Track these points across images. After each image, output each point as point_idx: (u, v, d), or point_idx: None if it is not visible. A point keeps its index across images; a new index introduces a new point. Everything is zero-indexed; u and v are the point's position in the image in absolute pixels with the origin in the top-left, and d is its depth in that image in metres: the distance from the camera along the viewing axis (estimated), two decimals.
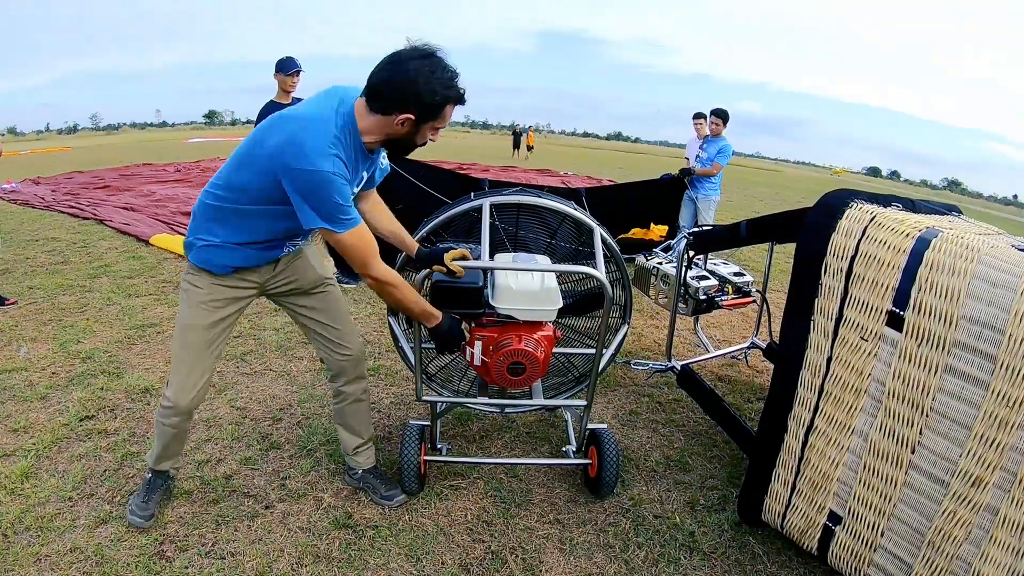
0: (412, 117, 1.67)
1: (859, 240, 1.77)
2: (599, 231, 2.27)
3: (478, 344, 2.11)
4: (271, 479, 2.38)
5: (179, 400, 1.96)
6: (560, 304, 2.14)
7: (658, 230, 6.28)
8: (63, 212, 7.97)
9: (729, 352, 3.52)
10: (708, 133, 5.76)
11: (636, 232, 6.71)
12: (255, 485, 2.34)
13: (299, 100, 4.36)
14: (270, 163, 1.67)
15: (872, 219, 1.77)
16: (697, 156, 5.83)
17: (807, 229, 1.93)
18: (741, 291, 3.18)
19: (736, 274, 3.25)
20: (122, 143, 34.48)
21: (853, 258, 1.78)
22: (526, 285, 2.09)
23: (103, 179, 11.60)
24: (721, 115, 5.63)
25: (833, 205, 1.89)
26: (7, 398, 2.90)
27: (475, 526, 2.17)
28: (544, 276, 2.14)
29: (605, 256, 2.38)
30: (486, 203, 2.18)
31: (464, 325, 2.06)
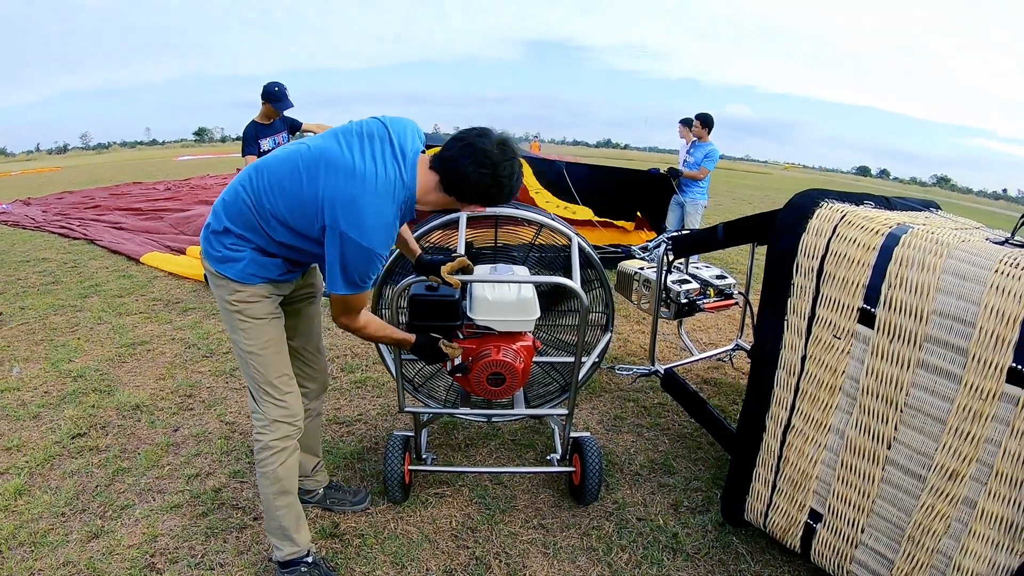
0: (482, 208, 1.76)
1: (829, 239, 1.80)
2: (577, 240, 2.31)
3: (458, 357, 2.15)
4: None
5: (298, 411, 1.92)
6: (538, 314, 2.18)
7: (644, 236, 6.37)
8: (54, 233, 7.99)
9: (714, 355, 3.56)
10: (693, 138, 5.82)
11: (623, 223, 6.77)
12: (243, 497, 2.37)
13: (282, 118, 4.41)
14: (317, 207, 1.62)
15: (842, 218, 1.80)
16: (684, 161, 5.89)
17: (778, 230, 1.95)
18: (723, 294, 3.22)
19: (718, 277, 3.28)
20: (112, 162, 34.48)
21: (824, 257, 1.81)
22: (503, 296, 2.12)
23: (93, 198, 11.57)
24: (703, 120, 5.68)
25: (803, 205, 1.92)
26: (0, 417, 2.93)
27: (460, 532, 2.20)
28: (521, 287, 2.17)
29: (586, 265, 2.43)
30: (463, 216, 2.23)
31: (443, 343, 2.03)
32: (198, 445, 2.72)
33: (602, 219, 6.62)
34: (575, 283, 2.04)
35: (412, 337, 1.96)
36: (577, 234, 2.35)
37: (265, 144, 4.31)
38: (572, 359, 2.58)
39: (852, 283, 1.75)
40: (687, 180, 5.73)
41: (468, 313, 2.15)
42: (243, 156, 4.33)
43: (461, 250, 2.10)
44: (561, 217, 6.12)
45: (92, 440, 2.74)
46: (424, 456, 2.48)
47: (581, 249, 2.33)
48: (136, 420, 2.93)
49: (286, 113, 4.44)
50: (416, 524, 2.23)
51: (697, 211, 5.79)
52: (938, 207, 2.38)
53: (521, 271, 2.29)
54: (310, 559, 1.94)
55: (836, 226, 1.80)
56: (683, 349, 3.88)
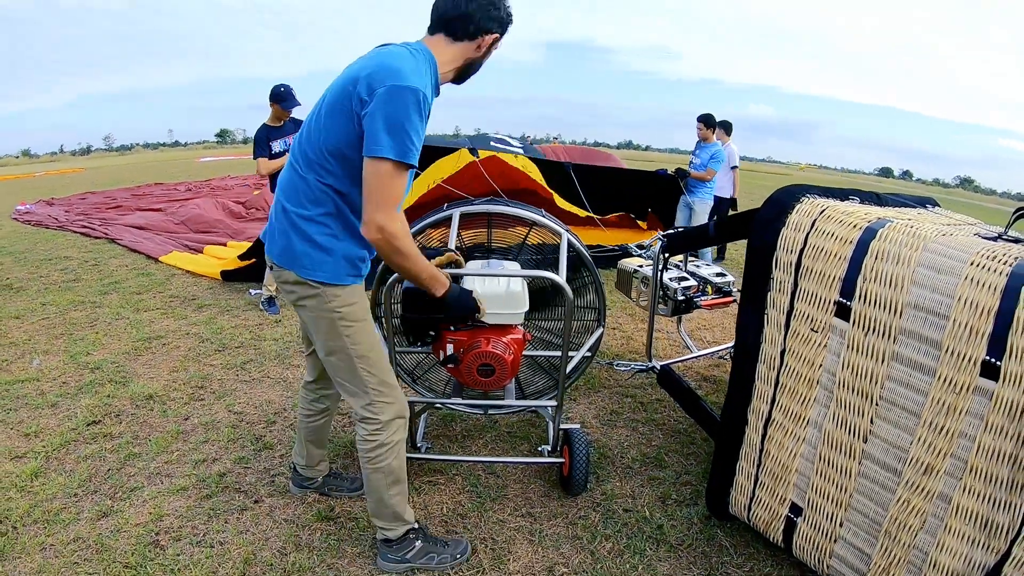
0: (498, 36, 1.78)
1: (808, 233, 1.81)
2: (567, 236, 2.37)
3: (449, 346, 2.22)
4: (262, 476, 2.51)
5: (405, 401, 1.96)
6: (526, 307, 2.24)
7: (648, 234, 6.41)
8: (76, 232, 8.22)
9: (713, 352, 3.58)
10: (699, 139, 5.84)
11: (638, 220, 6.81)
12: (246, 482, 2.47)
13: (292, 120, 4.53)
14: (352, 95, 1.59)
15: (822, 212, 1.81)
16: (691, 162, 5.91)
17: (758, 225, 1.98)
18: (722, 291, 3.24)
19: (717, 274, 3.31)
20: (135, 163, 35.09)
21: (802, 251, 1.82)
22: (492, 289, 2.19)
23: (115, 199, 11.78)
24: (706, 120, 5.69)
25: (784, 200, 1.93)
26: (20, 405, 3.08)
27: (450, 518, 2.26)
28: (510, 280, 2.24)
29: (576, 260, 2.49)
30: (456, 213, 2.30)
31: (476, 293, 2.00)
32: (206, 433, 2.84)
33: (616, 215, 6.67)
34: (560, 277, 2.09)
35: (445, 279, 1.86)
36: (568, 231, 2.41)
37: (276, 146, 4.44)
38: (557, 353, 2.65)
39: (829, 277, 1.76)
40: (694, 181, 5.74)
41: None
42: (255, 159, 4.46)
43: (452, 246, 2.18)
44: (575, 216, 6.23)
45: (106, 427, 2.87)
46: (419, 445, 2.56)
47: (571, 246, 2.39)
48: (149, 409, 3.06)
49: (296, 115, 4.56)
50: None
51: (705, 211, 5.80)
52: (935, 203, 2.37)
53: (513, 267, 2.36)
54: (416, 526, 2.03)
55: (815, 221, 1.81)
56: (686, 347, 3.90)
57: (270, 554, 2.07)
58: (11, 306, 4.82)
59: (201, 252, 6.54)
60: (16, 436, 2.78)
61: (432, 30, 1.76)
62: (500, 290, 2.22)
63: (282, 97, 4.36)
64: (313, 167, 1.70)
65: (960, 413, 1.53)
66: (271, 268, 1.86)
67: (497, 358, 2.20)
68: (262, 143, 4.41)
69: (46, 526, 2.18)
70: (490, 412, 2.79)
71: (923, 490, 1.63)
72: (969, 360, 1.50)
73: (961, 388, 1.53)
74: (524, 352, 2.40)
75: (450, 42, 1.74)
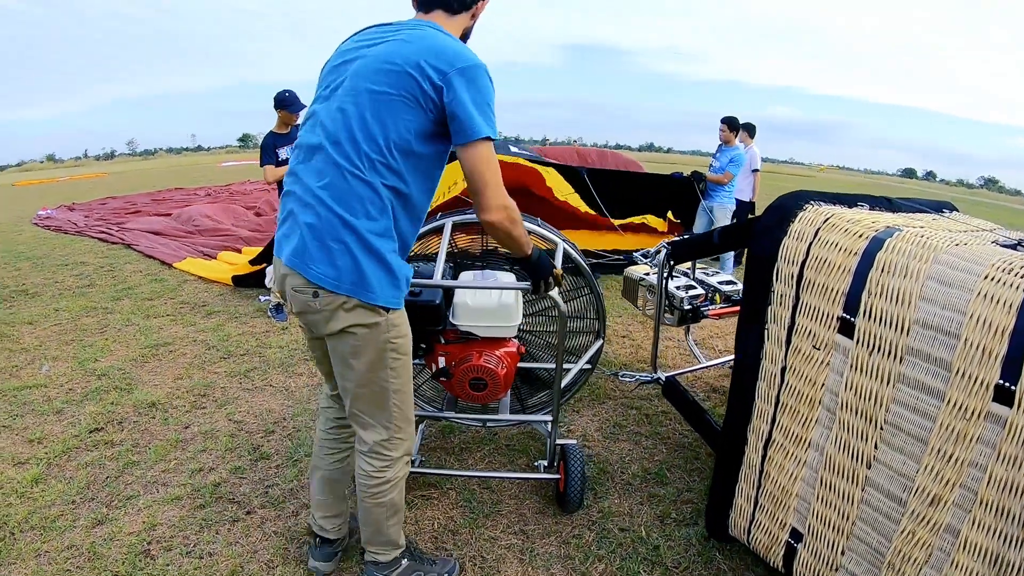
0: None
1: (810, 243, 1.71)
2: (563, 246, 2.31)
3: (441, 359, 2.18)
4: (256, 487, 2.49)
5: (413, 447, 1.93)
6: (519, 320, 2.19)
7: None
8: (94, 237, 8.35)
9: (723, 362, 3.48)
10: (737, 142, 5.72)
11: (649, 219, 6.75)
12: (240, 492, 2.45)
13: (298, 126, 4.54)
14: (413, 80, 1.49)
15: (826, 220, 1.71)
16: (711, 165, 5.79)
17: (758, 233, 1.88)
18: (730, 300, 3.15)
19: (726, 283, 3.22)
20: (157, 168, 35.64)
21: (804, 262, 1.73)
22: (483, 302, 2.14)
23: (135, 204, 11.91)
24: (730, 123, 5.57)
25: (786, 207, 1.84)
26: (27, 412, 3.12)
27: (440, 534, 2.21)
28: (503, 293, 2.19)
29: (574, 270, 2.43)
30: (448, 223, 2.25)
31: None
32: (205, 442, 2.83)
33: (626, 220, 6.59)
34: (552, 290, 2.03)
35: (530, 244, 1.76)
36: (564, 240, 2.35)
37: (283, 153, 4.45)
38: (552, 366, 2.59)
39: (832, 290, 1.66)
40: (713, 185, 5.63)
41: (451, 318, 2.18)
42: (262, 166, 4.48)
43: (442, 255, 2.13)
44: (591, 219, 6.16)
45: (108, 434, 2.89)
46: (414, 458, 2.51)
47: (568, 255, 2.33)
48: (151, 417, 3.07)
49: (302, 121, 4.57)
50: None
51: (725, 216, 5.68)
52: (953, 208, 2.25)
53: (507, 278, 2.31)
54: (403, 543, 1.96)
55: (818, 229, 1.71)
56: (694, 357, 3.81)
57: (257, 567, 2.04)
58: (25, 311, 4.91)
59: (215, 258, 6.61)
60: (20, 442, 2.81)
61: (426, 7, 1.68)
62: (492, 303, 2.17)
63: (288, 102, 4.37)
64: (376, 168, 1.53)
65: (970, 441, 1.42)
66: (298, 289, 1.59)
67: (489, 372, 2.15)
68: (269, 150, 4.42)
69: (42, 532, 2.20)
70: (488, 424, 2.74)
71: (929, 522, 1.52)
72: (981, 384, 1.39)
73: (972, 414, 1.41)
74: (519, 364, 2.35)
75: (448, 16, 1.68)
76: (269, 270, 4.76)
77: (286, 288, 1.63)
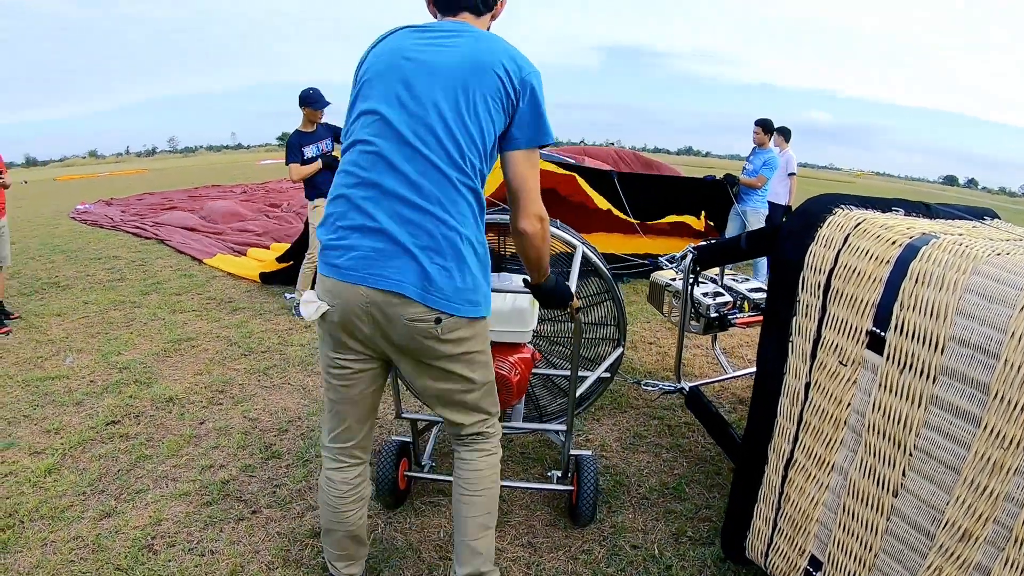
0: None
1: (839, 250, 1.59)
2: (582, 249, 2.23)
3: None
4: (265, 486, 2.46)
5: None
6: (534, 325, 2.11)
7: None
8: (128, 232, 8.54)
9: (749, 373, 3.33)
10: (770, 145, 5.56)
11: (688, 219, 6.66)
12: (248, 491, 2.43)
13: (324, 124, 4.54)
14: (497, 78, 1.44)
15: (856, 226, 1.59)
16: (744, 168, 5.63)
17: (783, 239, 1.77)
18: (759, 308, 3.02)
19: (755, 290, 3.09)
20: (197, 165, 36.43)
21: (832, 271, 1.60)
22: (497, 306, 2.07)
23: (172, 200, 12.21)
24: (764, 125, 5.39)
25: (813, 212, 1.71)
26: (47, 402, 3.18)
27: (445, 544, 2.14)
28: (516, 297, 2.11)
29: (594, 274, 2.34)
30: None
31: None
32: (218, 438, 2.83)
33: (667, 220, 6.51)
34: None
35: (548, 268, 1.71)
36: (584, 243, 2.27)
37: (309, 151, 4.45)
38: (581, 374, 2.50)
39: (861, 302, 1.53)
40: (746, 188, 5.46)
41: None
42: (287, 164, 4.49)
43: None
44: (621, 222, 6.06)
45: (124, 428, 2.91)
46: (424, 463, 2.46)
47: (587, 259, 2.25)
48: (168, 411, 3.09)
49: (328, 121, 4.57)
50: (403, 531, 2.20)
51: (758, 220, 5.50)
52: (995, 215, 2.09)
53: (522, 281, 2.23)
54: None
55: (848, 235, 1.58)
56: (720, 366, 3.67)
57: (257, 567, 2.01)
58: (55, 303, 5.04)
59: (244, 255, 6.70)
60: (38, 432, 2.86)
61: (453, 10, 1.58)
62: (506, 307, 2.09)
63: (312, 99, 4.37)
64: (476, 172, 1.48)
65: (1008, 472, 1.28)
66: (415, 318, 1.44)
67: (501, 378, 2.08)
68: (294, 149, 4.43)
69: (51, 522, 2.21)
70: (504, 431, 2.67)
71: (958, 559, 1.38)
72: (1021, 409, 1.25)
73: (1010, 442, 1.27)
74: (534, 371, 2.27)
75: (476, 18, 1.60)
76: (302, 277, 4.71)
77: (379, 315, 1.45)
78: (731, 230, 5.71)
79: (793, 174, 6.19)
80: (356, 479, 1.72)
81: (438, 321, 1.45)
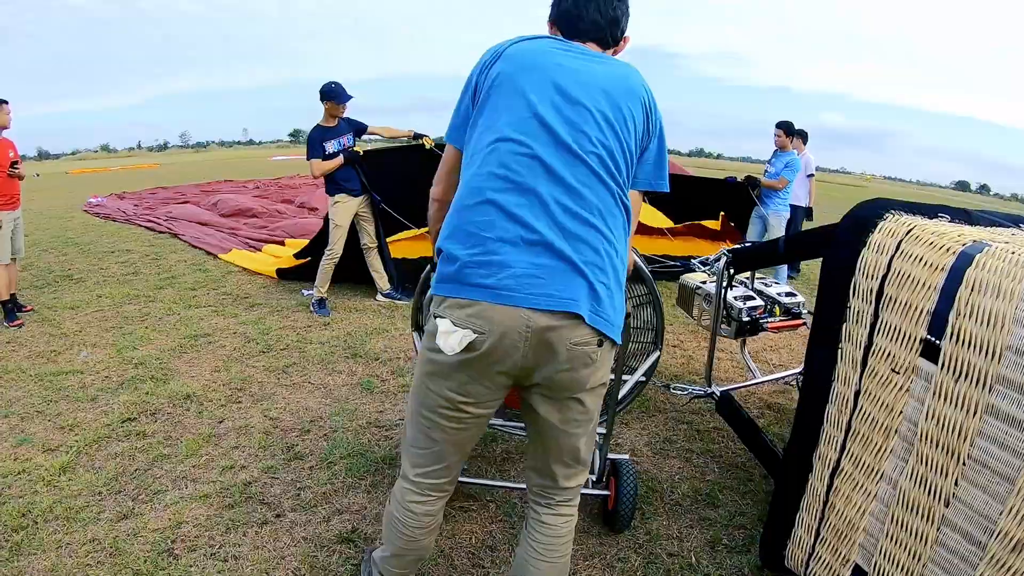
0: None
1: (892, 256, 1.56)
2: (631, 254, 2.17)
3: None
4: (288, 488, 2.41)
5: None
6: None
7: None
8: (141, 226, 8.48)
9: (779, 378, 3.27)
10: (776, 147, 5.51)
11: (708, 223, 6.60)
12: (271, 493, 2.37)
13: (346, 119, 4.48)
14: (645, 120, 1.40)
15: (908, 232, 1.56)
16: (765, 171, 5.57)
17: (835, 244, 1.74)
18: (790, 313, 2.95)
19: (787, 294, 3.02)
20: (208, 160, 36.38)
21: (885, 277, 1.57)
22: None
23: (184, 194, 12.13)
24: (786, 128, 5.34)
25: (865, 217, 1.68)
26: (62, 398, 3.12)
27: (478, 551, 2.09)
28: None
29: (634, 275, 2.27)
30: None
31: None
32: (238, 438, 2.78)
33: (686, 223, 6.44)
34: None
35: None
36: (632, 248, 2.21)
37: (330, 147, 4.39)
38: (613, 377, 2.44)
39: (916, 309, 1.51)
40: (768, 191, 5.40)
41: None
42: (308, 160, 4.43)
43: None
44: (646, 226, 5.99)
45: (140, 425, 2.86)
46: None
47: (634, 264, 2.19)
48: (185, 409, 3.04)
49: (351, 116, 4.51)
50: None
51: (780, 223, 5.44)
52: None
53: None
54: None
55: (901, 241, 1.56)
56: (749, 371, 3.60)
57: (283, 574, 1.96)
58: (69, 297, 4.99)
59: (260, 250, 6.65)
60: (52, 428, 2.81)
61: (578, 38, 1.46)
62: None
63: (334, 94, 4.32)
64: (626, 188, 1.41)
65: None
66: (580, 343, 1.31)
67: None
68: (316, 144, 4.37)
69: (66, 523, 2.15)
70: None
71: (1011, 570, 1.34)
72: None
73: None
74: None
75: (603, 49, 1.50)
76: (321, 274, 4.64)
77: (537, 342, 1.28)
78: (751, 233, 5.65)
79: (812, 176, 6.14)
80: (439, 510, 1.60)
81: (600, 344, 1.32)
